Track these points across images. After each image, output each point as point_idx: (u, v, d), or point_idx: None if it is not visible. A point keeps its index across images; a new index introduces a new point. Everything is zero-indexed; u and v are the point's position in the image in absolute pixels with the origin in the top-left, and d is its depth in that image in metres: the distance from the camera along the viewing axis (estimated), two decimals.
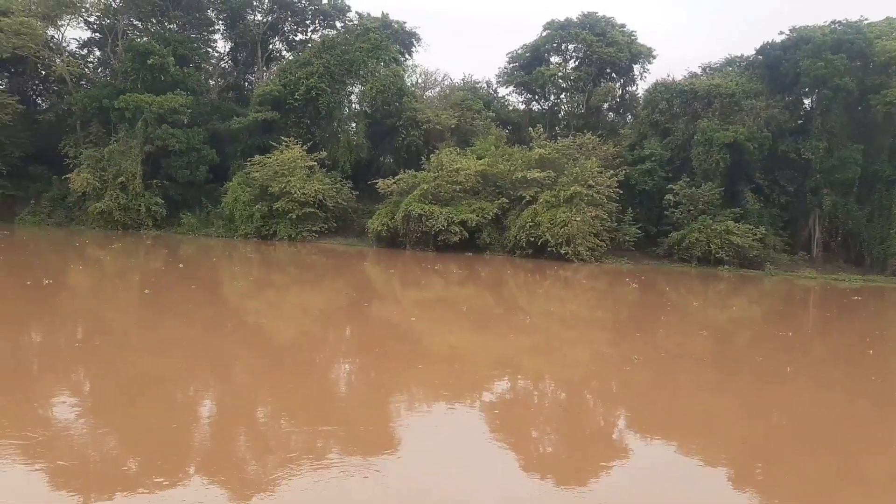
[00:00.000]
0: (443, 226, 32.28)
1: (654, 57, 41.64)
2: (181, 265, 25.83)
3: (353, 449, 7.35)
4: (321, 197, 35.14)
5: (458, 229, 32.39)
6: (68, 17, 39.81)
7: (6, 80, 41.83)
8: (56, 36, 40.75)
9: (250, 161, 36.19)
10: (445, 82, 48.46)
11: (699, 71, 40.45)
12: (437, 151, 36.09)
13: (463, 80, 46.97)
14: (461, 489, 6.56)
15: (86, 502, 5.80)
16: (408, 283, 24.49)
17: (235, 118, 38.84)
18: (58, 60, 39.78)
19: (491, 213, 33.50)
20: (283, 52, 46.27)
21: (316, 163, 36.07)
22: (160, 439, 7.41)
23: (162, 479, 6.36)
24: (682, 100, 36.42)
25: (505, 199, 34.20)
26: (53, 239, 32.47)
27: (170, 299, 17.63)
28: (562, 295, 23.21)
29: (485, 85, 46.51)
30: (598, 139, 36.09)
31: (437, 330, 15.91)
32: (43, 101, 44.86)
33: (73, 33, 49.29)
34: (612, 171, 33.57)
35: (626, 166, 35.13)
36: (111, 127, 37.55)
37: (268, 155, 35.76)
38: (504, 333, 15.63)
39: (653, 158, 35.31)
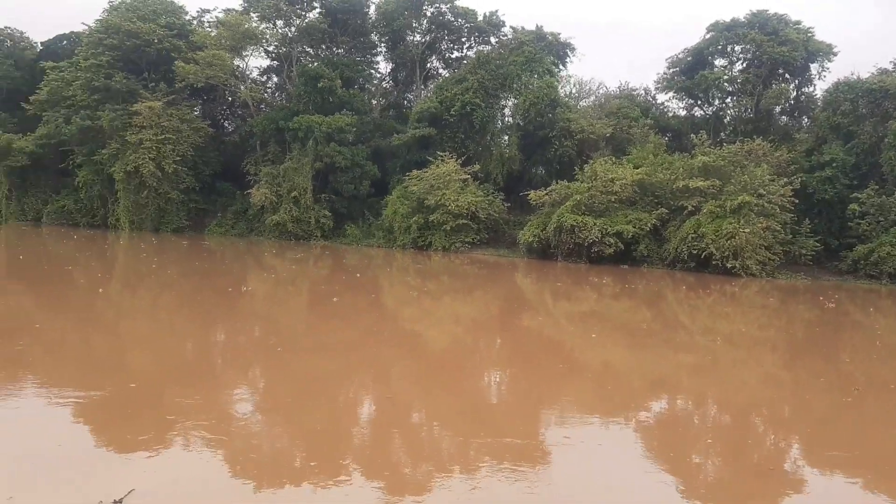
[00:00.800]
0: (597, 237, 31.48)
1: (834, 54, 37.75)
2: (355, 274, 27.45)
3: (504, 460, 7.36)
4: (474, 209, 35.78)
5: (613, 241, 31.42)
6: (251, 47, 44.05)
7: (200, 106, 47.11)
8: (241, 65, 45.25)
9: (408, 175, 37.73)
10: (600, 91, 47.46)
11: (890, 67, 36.07)
12: (591, 161, 35.33)
13: (619, 87, 45.73)
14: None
15: (257, 490, 6.32)
16: (559, 295, 24.17)
17: (395, 135, 40.76)
18: (242, 87, 44.16)
19: (649, 224, 32.13)
20: (440, 70, 47.90)
21: (469, 176, 36.81)
22: (324, 436, 7.91)
23: (324, 475, 6.77)
24: (870, 99, 32.69)
25: (664, 210, 32.65)
26: (238, 248, 35.94)
27: (335, 305, 18.81)
28: (728, 312, 21.68)
29: (642, 92, 44.92)
30: (768, 145, 33.35)
31: (589, 344, 15.54)
32: (229, 124, 50.00)
33: (255, 62, 54.50)
34: (785, 179, 30.83)
35: (803, 173, 32.13)
36: (286, 146, 40.98)
37: (424, 169, 37.09)
38: (662, 350, 14.89)
39: (834, 164, 32.00)
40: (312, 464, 7.08)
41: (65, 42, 51.63)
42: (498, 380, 11.77)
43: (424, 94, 45.77)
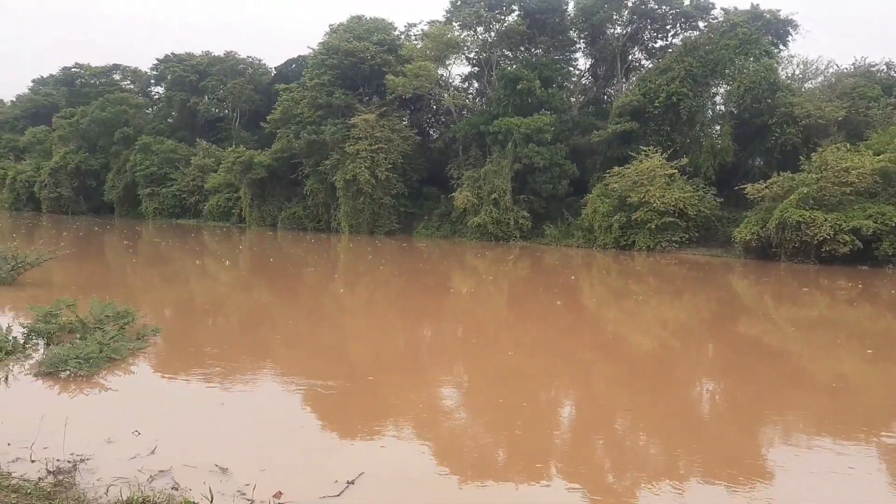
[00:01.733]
0: (828, 234, 27.94)
1: None
2: (553, 274, 27.44)
3: (718, 476, 6.80)
4: (682, 205, 33.71)
5: (848, 238, 27.66)
6: (454, 56, 45.87)
7: (408, 116, 50.11)
8: (444, 74, 47.30)
9: (609, 172, 36.65)
10: (830, 70, 41.97)
11: None
12: (820, 149, 31.45)
13: (853, 64, 40.12)
14: None
15: (461, 483, 6.51)
16: (783, 298, 21.87)
17: (595, 132, 39.85)
18: (445, 95, 46.16)
19: (894, 220, 27.84)
20: (643, 62, 45.93)
21: (676, 170, 34.77)
22: (526, 436, 7.94)
23: (526, 475, 6.78)
24: None
25: None
26: (443, 249, 37.61)
27: (535, 304, 18.88)
28: None
29: (883, 68, 39.01)
30: None
31: (819, 354, 13.84)
32: (434, 131, 52.52)
33: (457, 69, 56.62)
34: None
35: None
36: (486, 149, 42.05)
37: (626, 166, 35.78)
38: None
39: None
40: (515, 463, 7.13)
41: (293, 65, 58.07)
42: (711, 389, 10.94)
43: (626, 87, 44.17)
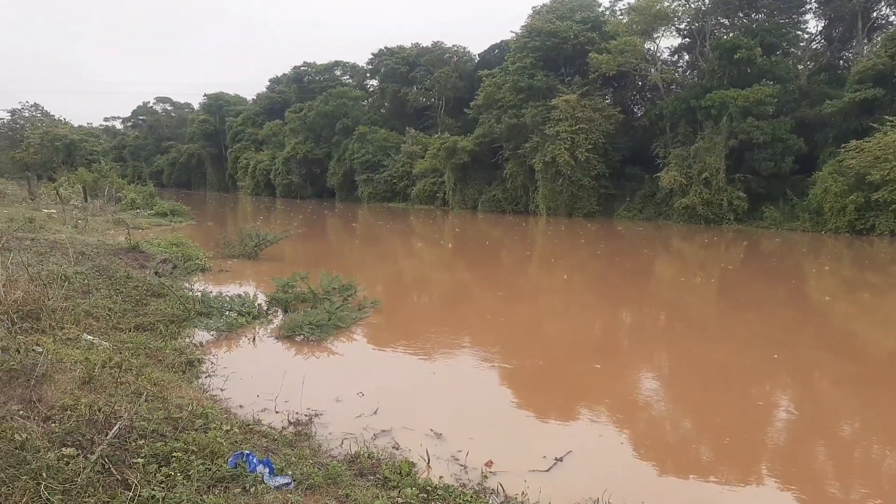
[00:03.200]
0: None
1: None
2: (772, 260, 25.18)
3: None
4: None
5: None
6: (662, 28, 43.41)
7: (611, 94, 48.56)
8: (651, 48, 45.00)
9: (844, 147, 32.40)
10: None
11: None
12: None
13: None
14: None
15: (661, 475, 6.30)
16: None
17: (828, 101, 35.40)
18: (652, 70, 43.91)
19: None
20: (891, 18, 39.71)
21: None
22: (733, 433, 7.45)
23: (733, 473, 6.37)
24: None
25: None
26: (647, 232, 36.08)
27: (747, 294, 17.45)
28: None
29: None
30: None
31: None
32: (638, 109, 50.33)
33: (666, 42, 53.55)
34: None
35: None
36: (697, 125, 39.32)
37: (867, 139, 31.36)
38: None
39: None
40: (720, 461, 6.73)
41: (496, 51, 59.14)
42: None
43: (868, 49, 38.57)
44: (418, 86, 64.31)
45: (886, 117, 31.26)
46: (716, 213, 37.91)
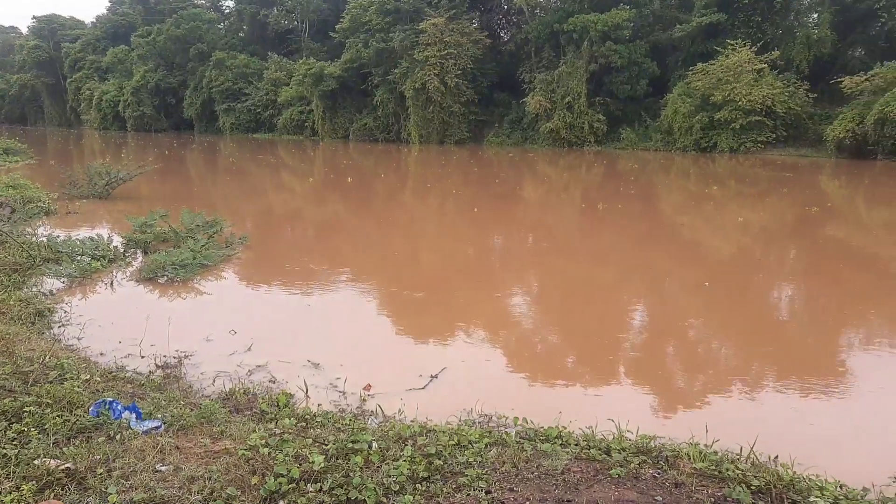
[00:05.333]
0: None
1: None
2: (629, 179, 26.76)
3: (791, 379, 6.75)
4: (770, 103, 31.70)
5: None
6: None
7: (478, 18, 48.36)
8: None
9: (692, 70, 34.64)
10: None
11: None
12: None
13: None
14: None
15: (552, 385, 6.75)
16: (876, 200, 20.61)
17: (678, 26, 37.43)
18: None
19: None
20: None
21: (766, 65, 32.47)
22: (596, 340, 8.08)
23: (594, 378, 6.95)
24: None
25: None
26: (514, 157, 37.05)
27: (607, 212, 18.59)
28: None
29: None
30: None
31: None
32: (505, 33, 50.64)
33: None
34: None
35: None
36: (560, 50, 40.31)
37: (711, 62, 33.67)
38: None
39: None
40: (584, 366, 7.30)
41: None
42: (790, 294, 10.66)
43: None
44: (279, 7, 60.53)
45: (728, 41, 33.62)
46: (578, 137, 39.58)
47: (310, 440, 4.45)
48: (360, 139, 49.57)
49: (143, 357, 7.03)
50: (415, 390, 6.25)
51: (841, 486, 4.05)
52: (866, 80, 28.99)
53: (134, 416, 4.85)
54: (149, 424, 4.79)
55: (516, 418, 5.14)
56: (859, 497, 3.94)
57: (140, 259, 11.74)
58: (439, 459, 4.14)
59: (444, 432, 4.65)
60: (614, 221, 16.96)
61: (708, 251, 13.89)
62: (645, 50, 38.23)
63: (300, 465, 3.93)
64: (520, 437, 4.72)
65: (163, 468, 4.06)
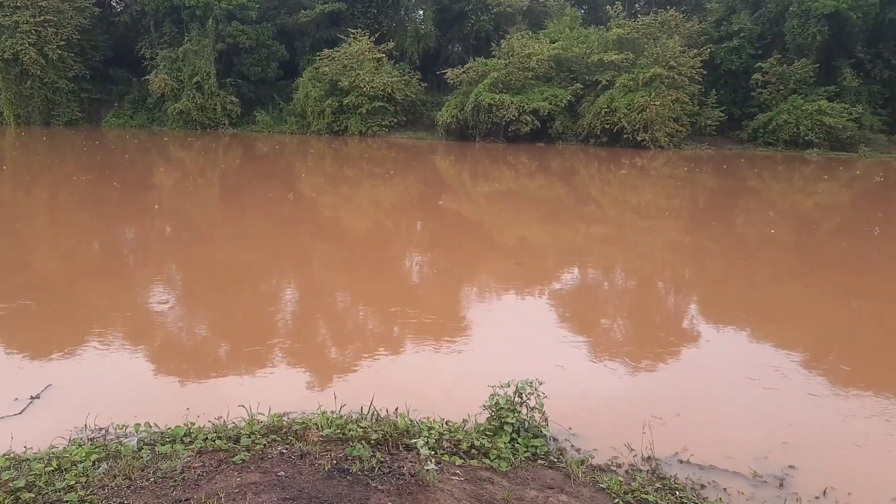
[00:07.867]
0: (514, 116, 31.37)
1: None
2: (267, 162, 26.47)
3: (427, 335, 7.56)
4: (390, 90, 34.66)
5: (529, 119, 31.42)
6: None
7: None
8: None
9: (319, 55, 35.83)
10: None
11: None
12: (508, 36, 34.52)
13: None
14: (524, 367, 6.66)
15: (182, 383, 6.26)
16: (478, 175, 24.28)
17: (303, 11, 38.21)
18: None
19: (564, 101, 32.19)
20: None
21: (384, 55, 35.33)
22: (247, 325, 7.87)
23: (249, 364, 6.75)
24: None
25: (580, 85, 32.66)
26: (139, 140, 33.65)
27: (248, 196, 18.24)
28: (637, 184, 22.45)
29: None
30: (681, 15, 33.43)
31: (507, 222, 15.84)
32: (117, 3, 45.35)
33: None
34: (695, 51, 31.23)
35: (712, 44, 32.69)
36: (184, 26, 37.75)
37: (336, 48, 35.27)
38: (575, 224, 15.42)
39: (741, 34, 32.66)
40: (236, 354, 7.05)
41: None
42: (420, 261, 11.91)
43: None
44: None
45: (350, 30, 35.61)
46: (211, 118, 37.86)
47: None
48: None
49: None
50: (9, 417, 5.22)
51: (447, 423, 4.65)
52: (463, 72, 33.73)
53: None
54: None
55: (138, 425, 4.66)
56: (460, 428, 4.59)
57: None
58: (30, 492, 3.52)
59: (39, 460, 3.97)
60: (254, 203, 16.70)
61: (349, 229, 14.64)
62: (273, 33, 38.19)
63: None
64: (142, 444, 4.31)
65: None
